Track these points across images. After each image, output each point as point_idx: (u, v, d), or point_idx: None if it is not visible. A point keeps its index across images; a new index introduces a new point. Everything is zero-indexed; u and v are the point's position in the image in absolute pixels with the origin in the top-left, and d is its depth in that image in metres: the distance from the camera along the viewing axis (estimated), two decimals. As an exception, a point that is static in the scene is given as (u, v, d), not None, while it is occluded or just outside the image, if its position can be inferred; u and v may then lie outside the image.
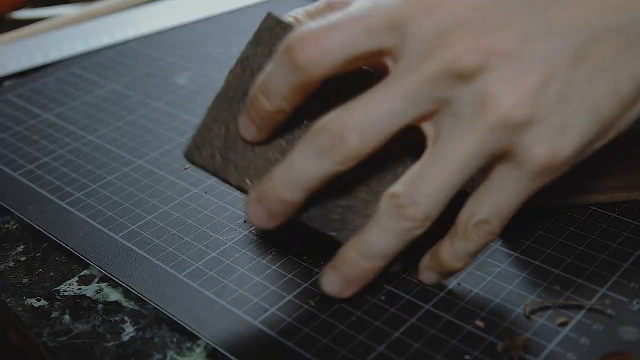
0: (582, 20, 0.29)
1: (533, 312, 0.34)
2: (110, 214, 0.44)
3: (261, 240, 0.40)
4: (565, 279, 0.36)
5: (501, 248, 0.38)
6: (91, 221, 0.43)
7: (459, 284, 0.36)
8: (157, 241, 0.41)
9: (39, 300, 0.39)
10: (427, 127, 0.32)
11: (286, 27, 0.35)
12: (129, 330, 0.36)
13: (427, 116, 0.31)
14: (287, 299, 0.36)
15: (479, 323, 0.34)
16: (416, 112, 0.31)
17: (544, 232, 0.38)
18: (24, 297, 0.39)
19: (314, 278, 0.37)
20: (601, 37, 0.29)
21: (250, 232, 0.41)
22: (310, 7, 0.38)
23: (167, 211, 0.43)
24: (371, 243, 0.33)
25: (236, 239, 0.41)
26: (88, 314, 0.37)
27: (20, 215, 0.45)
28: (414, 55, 0.30)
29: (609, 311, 0.34)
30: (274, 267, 0.38)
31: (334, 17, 0.31)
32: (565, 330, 0.33)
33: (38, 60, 0.65)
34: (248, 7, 0.72)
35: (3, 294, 0.39)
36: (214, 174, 0.35)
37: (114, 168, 0.48)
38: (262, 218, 0.33)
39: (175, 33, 0.69)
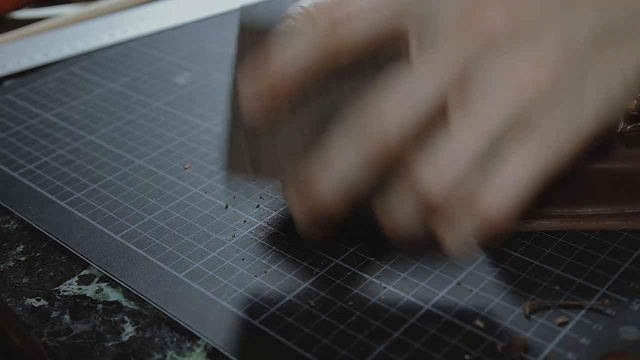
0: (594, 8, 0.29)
1: (533, 312, 0.34)
2: (110, 214, 0.44)
3: (261, 240, 0.40)
4: (565, 279, 0.36)
5: (501, 248, 0.38)
6: (91, 221, 0.43)
7: (459, 284, 0.36)
8: (157, 241, 0.41)
9: (39, 300, 0.39)
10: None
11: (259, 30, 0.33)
12: (128, 330, 0.36)
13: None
14: (287, 299, 0.36)
15: (479, 323, 0.34)
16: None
17: (544, 232, 0.38)
18: (24, 297, 0.39)
19: (314, 278, 0.37)
20: (610, 26, 0.29)
21: (250, 232, 0.41)
22: None
23: (167, 211, 0.43)
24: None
25: (236, 239, 0.41)
26: (88, 314, 0.37)
27: (20, 215, 0.45)
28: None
29: (609, 311, 0.34)
30: (274, 267, 0.38)
31: None
32: (565, 330, 0.33)
33: (38, 60, 0.65)
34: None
35: (3, 294, 0.39)
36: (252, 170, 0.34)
37: (114, 168, 0.48)
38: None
39: (175, 33, 0.69)
